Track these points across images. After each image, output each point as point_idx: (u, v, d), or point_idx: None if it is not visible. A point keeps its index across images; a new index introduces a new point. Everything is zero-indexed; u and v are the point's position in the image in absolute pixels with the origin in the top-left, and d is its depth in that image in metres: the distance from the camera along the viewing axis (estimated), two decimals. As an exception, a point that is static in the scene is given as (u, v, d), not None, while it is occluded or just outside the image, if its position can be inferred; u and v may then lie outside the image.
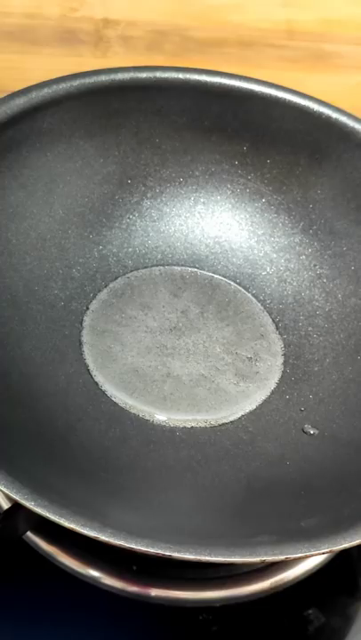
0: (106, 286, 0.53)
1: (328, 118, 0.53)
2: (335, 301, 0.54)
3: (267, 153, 0.55)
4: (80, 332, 0.51)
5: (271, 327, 0.53)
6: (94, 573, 0.45)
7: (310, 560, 0.47)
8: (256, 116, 0.54)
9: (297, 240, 0.56)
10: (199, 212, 0.57)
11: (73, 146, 0.53)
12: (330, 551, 0.36)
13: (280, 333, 0.53)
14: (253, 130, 0.54)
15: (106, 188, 0.55)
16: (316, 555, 0.36)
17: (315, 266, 0.55)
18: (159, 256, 0.56)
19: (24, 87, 0.50)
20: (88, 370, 0.49)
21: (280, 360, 0.52)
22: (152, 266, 0.55)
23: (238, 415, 0.48)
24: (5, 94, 0.49)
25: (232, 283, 0.55)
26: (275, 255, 0.56)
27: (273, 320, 0.54)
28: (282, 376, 0.51)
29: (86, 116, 0.52)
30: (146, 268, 0.55)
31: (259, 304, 0.55)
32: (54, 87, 0.50)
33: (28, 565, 0.45)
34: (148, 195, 0.56)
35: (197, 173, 0.56)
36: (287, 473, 0.45)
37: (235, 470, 0.45)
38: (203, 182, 0.56)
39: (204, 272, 0.55)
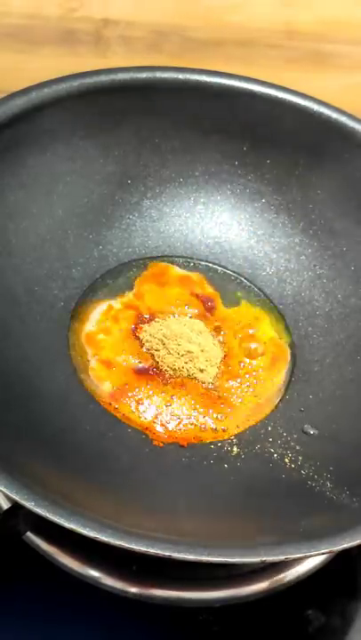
0: (106, 286, 0.53)
1: (328, 118, 0.53)
2: (335, 301, 0.54)
3: (267, 153, 0.55)
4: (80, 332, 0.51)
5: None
6: (94, 573, 0.45)
7: (310, 560, 0.47)
8: (256, 116, 0.54)
9: (297, 240, 0.56)
10: (199, 212, 0.57)
11: (73, 146, 0.53)
12: (330, 551, 0.36)
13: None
14: (253, 130, 0.54)
15: (106, 188, 0.55)
16: (316, 555, 0.36)
17: (315, 266, 0.55)
18: (159, 256, 0.56)
19: (24, 87, 0.50)
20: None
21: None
22: (151, 264, 0.55)
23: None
24: (5, 94, 0.49)
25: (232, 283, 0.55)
26: (275, 255, 0.56)
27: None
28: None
29: (86, 116, 0.52)
30: (146, 267, 0.55)
31: (259, 305, 0.55)
32: (54, 87, 0.50)
33: (28, 565, 0.45)
34: (148, 195, 0.56)
35: (197, 173, 0.56)
36: (287, 473, 0.45)
37: (235, 470, 0.45)
38: (203, 182, 0.56)
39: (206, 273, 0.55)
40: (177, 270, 0.55)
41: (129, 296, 0.53)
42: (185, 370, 0.49)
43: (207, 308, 0.53)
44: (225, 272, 0.55)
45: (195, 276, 0.55)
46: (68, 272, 0.52)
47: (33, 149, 0.51)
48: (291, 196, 0.55)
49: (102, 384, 0.48)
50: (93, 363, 0.49)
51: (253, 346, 0.52)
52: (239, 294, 0.55)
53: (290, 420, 0.48)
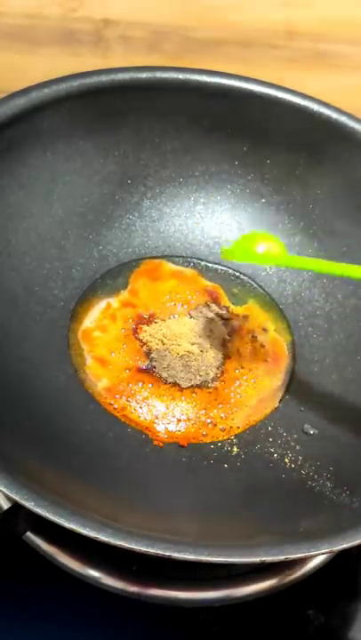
0: (106, 286, 0.53)
1: (328, 118, 0.53)
2: (335, 301, 0.54)
3: (267, 153, 0.55)
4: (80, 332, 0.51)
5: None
6: (94, 573, 0.45)
7: (310, 560, 0.47)
8: (256, 116, 0.54)
9: (297, 240, 0.56)
10: (199, 212, 0.57)
11: (73, 146, 0.53)
12: (330, 551, 0.36)
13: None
14: (253, 130, 0.54)
15: (106, 187, 0.55)
16: (316, 555, 0.36)
17: (315, 266, 0.55)
18: (159, 256, 0.56)
19: (24, 87, 0.50)
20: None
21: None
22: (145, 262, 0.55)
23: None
24: (5, 94, 0.49)
25: (232, 282, 0.55)
26: (275, 255, 0.56)
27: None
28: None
29: (86, 116, 0.52)
30: (146, 267, 0.55)
31: (259, 304, 0.55)
32: (54, 87, 0.50)
33: (28, 565, 0.45)
34: (148, 195, 0.56)
35: (197, 173, 0.56)
36: (287, 473, 0.45)
37: (235, 470, 0.45)
38: (203, 182, 0.56)
39: (204, 272, 0.55)
40: (170, 266, 0.55)
41: (124, 294, 0.53)
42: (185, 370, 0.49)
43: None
44: (225, 272, 0.55)
45: (188, 271, 0.55)
46: (67, 272, 0.52)
47: (33, 149, 0.51)
48: (291, 196, 0.55)
49: (100, 381, 0.48)
50: (89, 360, 0.49)
51: (254, 346, 0.52)
52: (239, 294, 0.55)
53: (290, 420, 0.48)
